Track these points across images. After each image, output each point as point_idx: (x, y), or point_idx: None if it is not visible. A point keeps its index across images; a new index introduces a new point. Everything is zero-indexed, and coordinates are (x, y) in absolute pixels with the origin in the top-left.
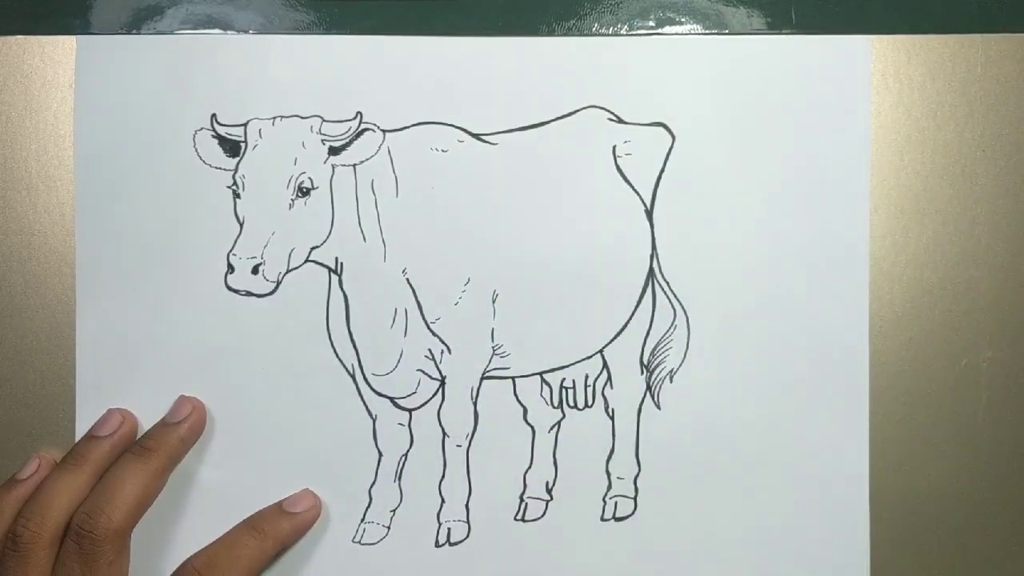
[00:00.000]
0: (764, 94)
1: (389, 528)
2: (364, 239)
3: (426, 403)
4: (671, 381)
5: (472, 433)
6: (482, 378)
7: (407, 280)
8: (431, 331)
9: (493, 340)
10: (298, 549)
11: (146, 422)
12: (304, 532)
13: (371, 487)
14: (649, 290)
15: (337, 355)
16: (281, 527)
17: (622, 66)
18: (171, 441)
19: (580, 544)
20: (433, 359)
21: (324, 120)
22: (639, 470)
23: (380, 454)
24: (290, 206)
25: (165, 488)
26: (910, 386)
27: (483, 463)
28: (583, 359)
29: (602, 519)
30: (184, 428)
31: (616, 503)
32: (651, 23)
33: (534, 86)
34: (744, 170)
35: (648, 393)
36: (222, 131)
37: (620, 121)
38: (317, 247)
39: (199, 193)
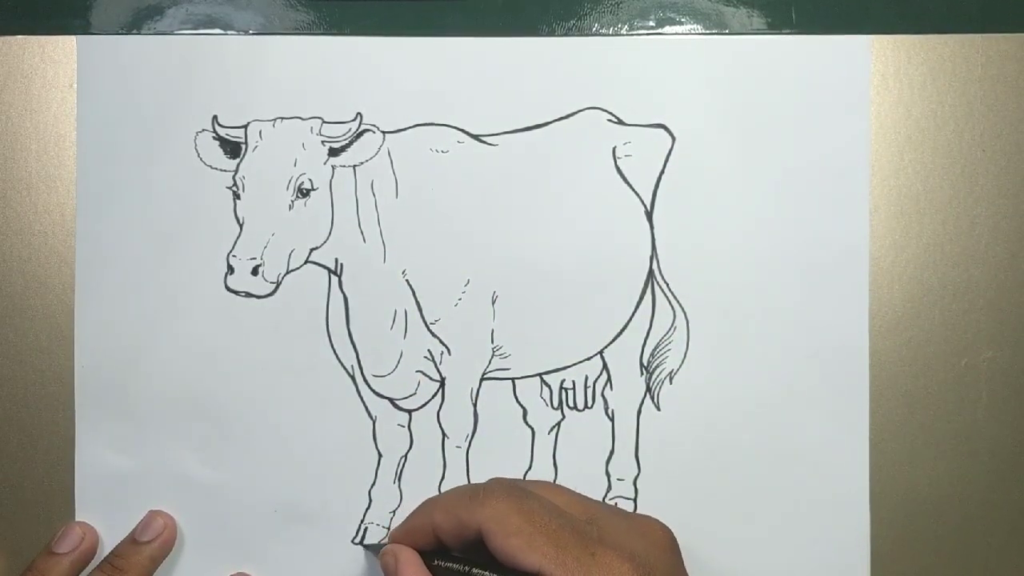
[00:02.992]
0: (764, 94)
1: (389, 529)
2: (364, 240)
3: (426, 404)
4: (671, 382)
5: (472, 434)
6: (482, 379)
7: (407, 281)
8: (431, 332)
9: (493, 341)
10: (298, 550)
11: (145, 426)
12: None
13: (371, 488)
14: (649, 291)
15: (337, 356)
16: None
17: (622, 66)
18: (141, 561)
19: None
20: (433, 360)
21: (324, 121)
22: (639, 471)
23: (380, 455)
24: (290, 207)
25: (164, 489)
26: (910, 386)
27: (483, 464)
28: (583, 360)
29: None
30: (155, 547)
31: (616, 504)
32: (651, 23)
33: (534, 87)
34: (744, 171)
35: (648, 394)
36: (223, 133)
37: (620, 122)
38: (317, 248)
39: (199, 194)
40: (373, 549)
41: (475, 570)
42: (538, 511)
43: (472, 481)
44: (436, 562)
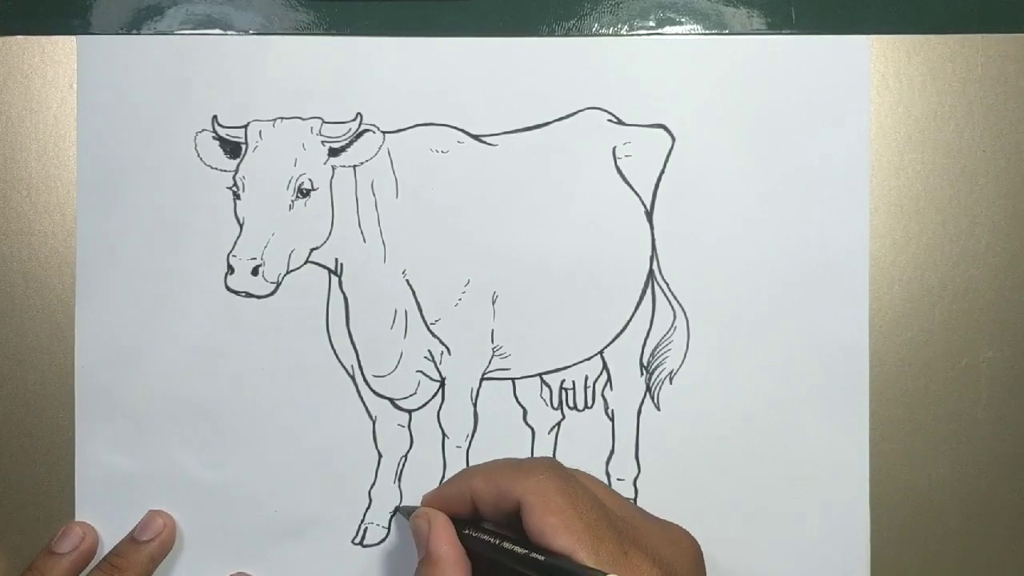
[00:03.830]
0: (764, 94)
1: (389, 529)
2: (364, 240)
3: (426, 404)
4: (671, 382)
5: (472, 434)
6: (482, 379)
7: (407, 281)
8: (431, 332)
9: (493, 341)
10: (298, 550)
11: (145, 426)
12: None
13: (371, 488)
14: (649, 291)
15: (337, 356)
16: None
17: (622, 67)
18: (140, 560)
19: None
20: (433, 360)
21: (324, 121)
22: (639, 471)
23: (380, 455)
24: (290, 207)
25: (164, 489)
26: (910, 386)
27: None
28: (583, 360)
29: None
30: (154, 546)
31: None
32: (651, 23)
33: (534, 87)
34: (744, 171)
35: (648, 394)
36: (223, 133)
37: (620, 122)
38: (317, 248)
39: (199, 194)
40: (405, 512)
41: (506, 544)
42: (581, 496)
43: None
44: (467, 531)
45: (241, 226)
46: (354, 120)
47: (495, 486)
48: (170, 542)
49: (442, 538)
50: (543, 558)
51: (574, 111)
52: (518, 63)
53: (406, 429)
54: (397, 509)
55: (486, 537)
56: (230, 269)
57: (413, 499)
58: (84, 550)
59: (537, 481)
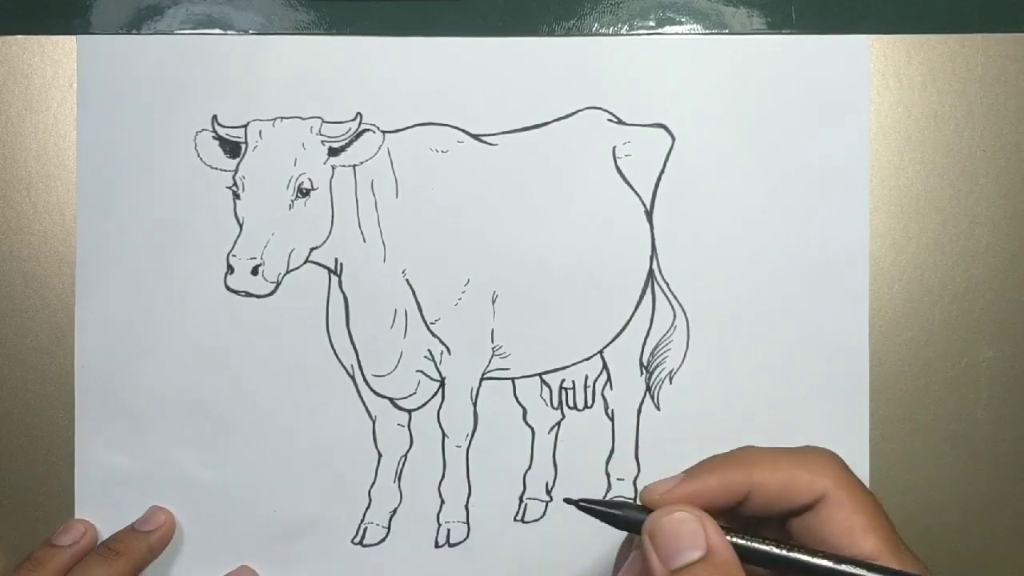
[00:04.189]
0: (764, 94)
1: (388, 529)
2: (364, 240)
3: (426, 404)
4: (671, 382)
5: (472, 434)
6: (482, 379)
7: (407, 281)
8: (431, 332)
9: (493, 341)
10: (298, 550)
11: (145, 425)
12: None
13: (371, 488)
14: (649, 291)
15: (337, 356)
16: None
17: (622, 66)
18: (139, 547)
19: (580, 545)
20: (433, 360)
21: (324, 121)
22: (639, 471)
23: (380, 455)
24: (290, 207)
25: (164, 489)
26: (910, 386)
27: (483, 464)
28: (583, 360)
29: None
30: (154, 537)
31: None
32: (651, 23)
33: (534, 87)
34: (744, 170)
35: (648, 394)
36: (223, 132)
37: (620, 122)
38: (317, 248)
39: (199, 194)
40: (598, 511)
41: (797, 554)
42: (870, 492)
43: (472, 482)
44: (731, 538)
45: (241, 226)
46: (354, 120)
47: (789, 476)
48: (169, 537)
49: (723, 546)
50: (855, 568)
51: (574, 111)
52: (518, 63)
53: (406, 429)
54: (582, 505)
55: (761, 546)
56: (230, 269)
57: (414, 499)
58: (85, 545)
59: (840, 472)
